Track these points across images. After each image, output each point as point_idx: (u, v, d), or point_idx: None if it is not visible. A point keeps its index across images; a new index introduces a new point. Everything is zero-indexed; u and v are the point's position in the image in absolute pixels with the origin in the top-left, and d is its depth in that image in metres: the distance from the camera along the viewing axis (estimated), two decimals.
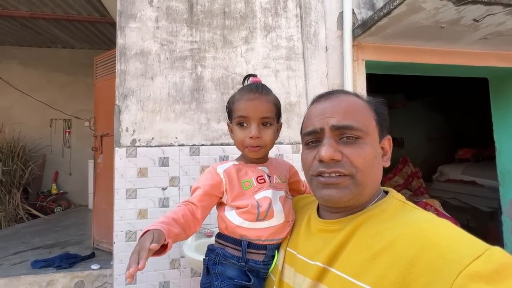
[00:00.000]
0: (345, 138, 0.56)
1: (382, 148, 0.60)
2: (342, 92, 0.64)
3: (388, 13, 1.66)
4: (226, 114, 0.82)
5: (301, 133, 0.68)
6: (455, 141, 5.17)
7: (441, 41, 2.06)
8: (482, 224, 3.24)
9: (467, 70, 2.36)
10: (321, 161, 0.56)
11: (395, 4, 1.59)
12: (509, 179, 2.45)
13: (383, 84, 4.05)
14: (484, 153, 4.11)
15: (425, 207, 2.60)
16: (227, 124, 0.81)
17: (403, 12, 1.64)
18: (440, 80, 3.45)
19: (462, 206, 3.65)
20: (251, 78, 0.79)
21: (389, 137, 0.62)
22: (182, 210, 0.68)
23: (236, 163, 0.77)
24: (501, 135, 2.53)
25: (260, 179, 0.74)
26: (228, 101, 0.80)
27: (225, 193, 0.73)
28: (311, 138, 0.60)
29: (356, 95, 0.63)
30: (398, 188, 3.14)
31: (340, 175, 0.55)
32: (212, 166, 0.76)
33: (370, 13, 2.04)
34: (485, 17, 1.71)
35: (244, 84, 0.80)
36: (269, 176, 0.76)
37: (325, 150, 0.55)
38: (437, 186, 4.24)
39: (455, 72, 2.46)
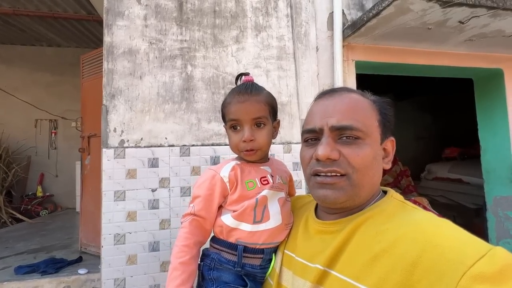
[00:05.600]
0: (344, 138, 0.55)
1: (384, 149, 0.59)
2: (345, 89, 0.62)
3: (377, 14, 1.68)
4: (217, 114, 0.81)
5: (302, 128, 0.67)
6: (442, 140, 5.31)
7: (428, 42, 2.10)
8: (468, 220, 3.33)
9: (453, 71, 2.42)
10: (318, 160, 0.55)
11: (383, 5, 1.61)
12: (493, 176, 2.52)
13: (374, 84, 4.11)
14: (470, 151, 4.23)
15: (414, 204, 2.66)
16: (224, 127, 0.80)
17: (391, 13, 1.67)
18: (428, 81, 3.53)
19: (449, 204, 3.75)
20: (243, 77, 0.77)
21: (392, 138, 0.61)
22: (190, 239, 0.68)
23: (238, 162, 0.75)
24: (485, 134, 2.60)
25: (264, 180, 0.73)
26: (222, 104, 0.78)
27: (228, 196, 0.71)
28: (310, 136, 0.60)
29: (360, 93, 0.61)
30: (388, 187, 3.21)
31: (336, 175, 0.54)
32: (214, 170, 0.73)
33: (359, 13, 2.06)
34: (470, 19, 1.75)
35: (237, 84, 0.78)
36: (271, 176, 0.75)
37: (322, 149, 0.54)
38: (425, 184, 4.35)
39: (442, 72, 2.52)
